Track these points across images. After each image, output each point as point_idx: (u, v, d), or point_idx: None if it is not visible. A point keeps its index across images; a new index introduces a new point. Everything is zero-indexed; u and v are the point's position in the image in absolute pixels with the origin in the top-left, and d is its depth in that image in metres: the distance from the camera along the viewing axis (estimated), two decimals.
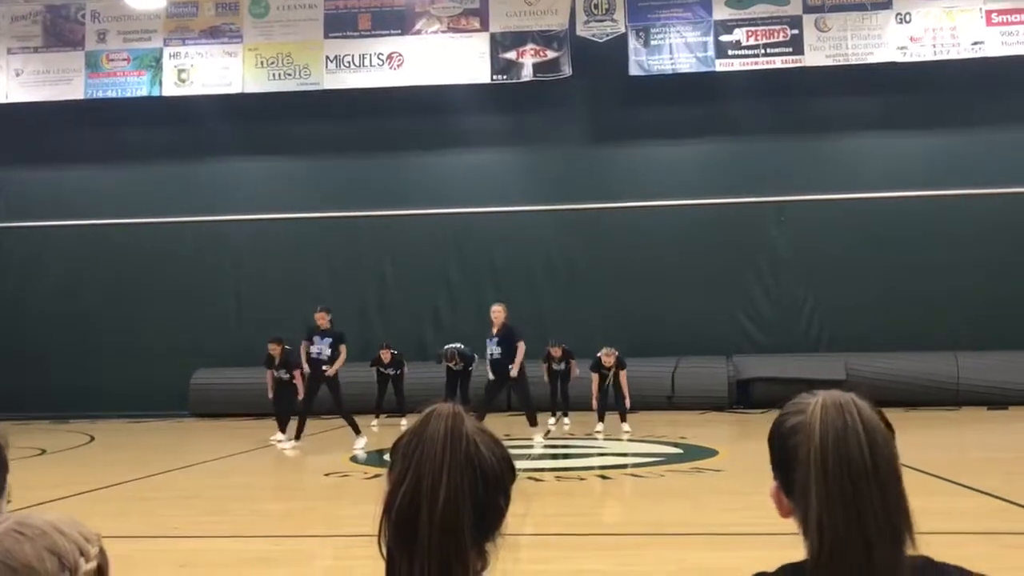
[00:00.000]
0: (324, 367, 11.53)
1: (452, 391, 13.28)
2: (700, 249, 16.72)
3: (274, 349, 12.62)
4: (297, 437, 11.72)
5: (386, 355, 14.28)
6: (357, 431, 11.54)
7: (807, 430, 1.29)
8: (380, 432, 13.12)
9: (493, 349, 11.42)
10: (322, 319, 11.61)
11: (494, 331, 11.49)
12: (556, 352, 13.41)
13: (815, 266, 16.61)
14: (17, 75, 17.20)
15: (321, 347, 11.59)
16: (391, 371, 14.37)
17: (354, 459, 10.42)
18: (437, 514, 1.26)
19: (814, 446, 1.27)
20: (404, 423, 13.28)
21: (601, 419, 12.41)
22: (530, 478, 8.26)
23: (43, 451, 11.87)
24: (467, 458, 1.30)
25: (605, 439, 11.85)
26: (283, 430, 12.39)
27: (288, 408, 12.46)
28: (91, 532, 1.11)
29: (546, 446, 11.32)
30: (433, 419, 1.34)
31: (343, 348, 11.66)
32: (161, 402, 16.79)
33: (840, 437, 1.26)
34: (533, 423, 11.50)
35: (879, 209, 16.63)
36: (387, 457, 1.39)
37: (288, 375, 12.52)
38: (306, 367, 11.70)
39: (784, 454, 1.34)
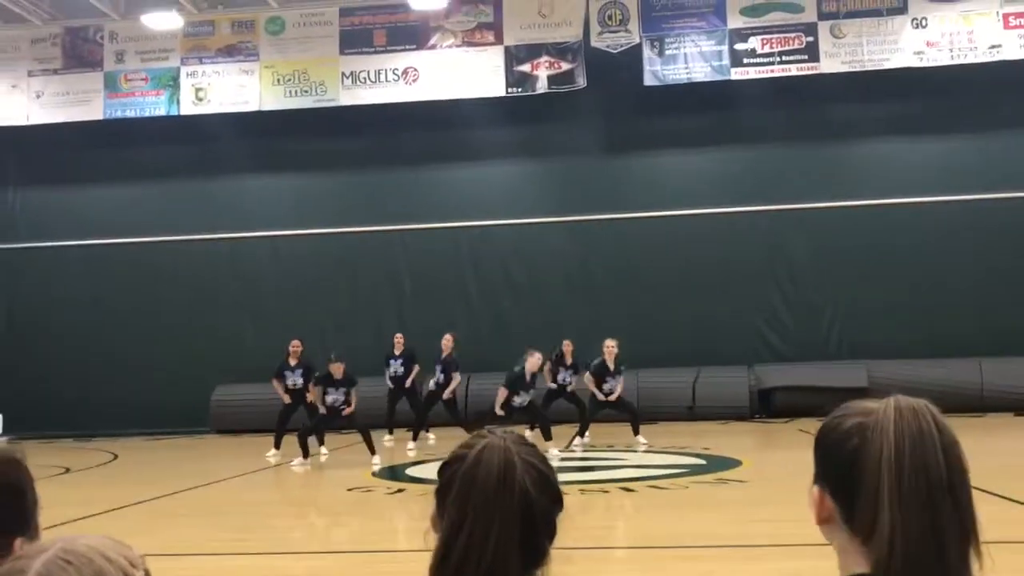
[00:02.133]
0: (343, 411, 11.62)
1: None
2: (718, 258, 16.64)
3: (296, 347, 12.54)
4: (305, 456, 11.45)
5: (399, 339, 13.81)
6: (372, 450, 11.45)
7: (879, 433, 1.25)
8: (395, 448, 13.01)
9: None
10: (337, 370, 11.59)
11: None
12: (568, 347, 12.81)
13: (835, 273, 16.50)
14: (38, 97, 17.38)
15: (337, 396, 11.61)
16: (399, 366, 13.70)
17: (376, 474, 10.42)
18: (484, 567, 1.29)
19: (888, 449, 1.23)
20: (428, 438, 13.08)
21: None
22: None
23: (67, 469, 11.94)
24: (519, 506, 1.32)
25: (626, 450, 11.76)
26: (278, 445, 12.28)
27: (287, 421, 12.42)
28: (136, 555, 1.10)
29: (565, 459, 11.27)
30: (484, 459, 1.34)
31: (355, 392, 11.69)
32: (183, 419, 16.86)
33: (917, 442, 1.23)
34: (548, 437, 11.48)
35: (898, 215, 16.51)
36: (433, 475, 1.40)
37: (303, 382, 12.43)
38: (322, 409, 11.72)
39: (840, 457, 1.29)
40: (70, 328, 17.87)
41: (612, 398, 12.03)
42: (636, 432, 12.06)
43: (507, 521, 1.30)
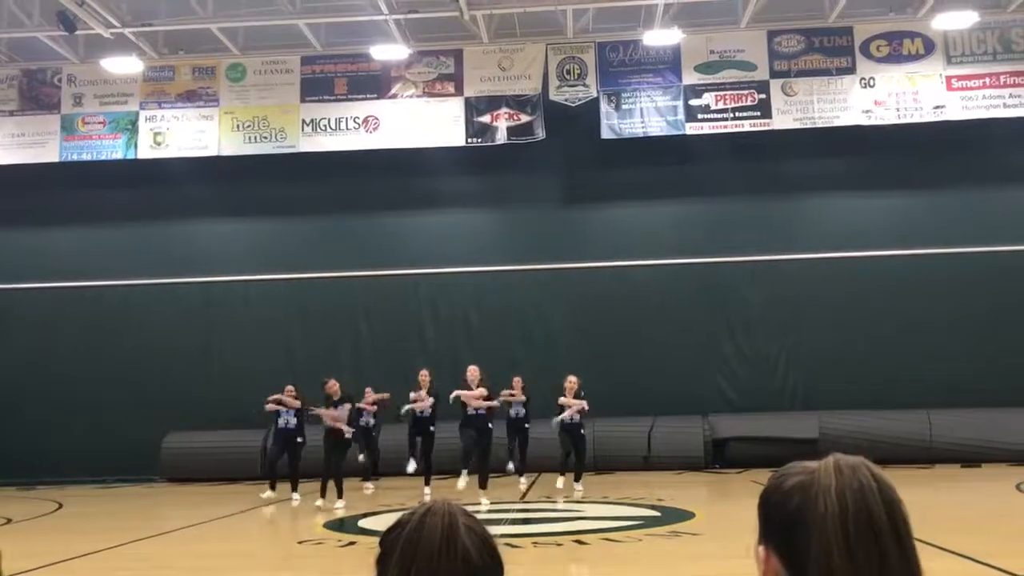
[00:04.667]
0: (346, 433, 12.14)
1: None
2: (675, 309, 16.86)
3: (290, 391, 12.90)
4: (339, 495, 11.79)
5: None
6: (337, 495, 11.66)
7: (821, 491, 1.27)
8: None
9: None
10: (333, 387, 12.28)
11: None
12: (516, 382, 13.57)
13: (788, 325, 16.78)
14: None
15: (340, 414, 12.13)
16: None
17: (328, 525, 10.29)
18: None
19: (832, 507, 1.25)
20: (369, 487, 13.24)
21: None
22: (508, 544, 8.17)
23: (8, 520, 11.61)
24: (462, 569, 1.31)
25: (583, 501, 11.76)
26: (273, 487, 12.77)
27: (276, 462, 12.72)
28: None
29: (522, 509, 11.23)
30: (428, 522, 1.35)
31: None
32: (132, 466, 16.52)
33: (859, 497, 1.25)
34: (483, 485, 11.69)
35: (849, 268, 16.89)
36: (385, 527, 1.41)
37: (296, 422, 12.70)
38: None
39: (783, 516, 1.31)
40: (18, 371, 17.49)
41: (573, 410, 12.55)
42: (577, 479, 12.51)
43: None
